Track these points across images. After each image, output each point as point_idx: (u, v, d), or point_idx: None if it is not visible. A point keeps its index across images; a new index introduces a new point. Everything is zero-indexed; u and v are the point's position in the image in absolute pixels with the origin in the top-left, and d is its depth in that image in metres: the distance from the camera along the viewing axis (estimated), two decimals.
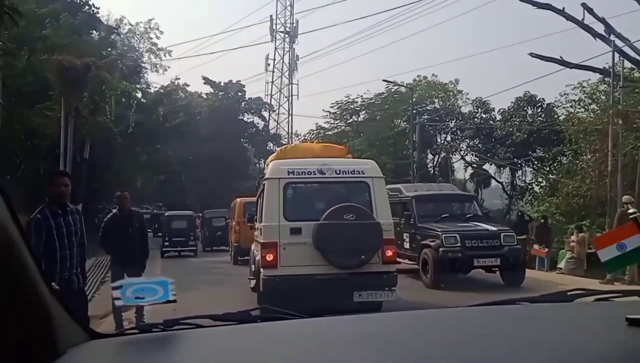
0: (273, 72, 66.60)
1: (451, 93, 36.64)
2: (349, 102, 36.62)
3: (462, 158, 35.77)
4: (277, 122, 64.12)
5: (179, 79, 60.22)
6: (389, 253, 8.49)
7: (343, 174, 8.62)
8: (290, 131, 64.88)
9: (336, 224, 8.04)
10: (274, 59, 66.22)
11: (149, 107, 30.58)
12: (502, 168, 35.35)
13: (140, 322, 6.17)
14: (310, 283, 7.90)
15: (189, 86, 72.55)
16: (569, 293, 1.86)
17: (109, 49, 23.47)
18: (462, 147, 35.53)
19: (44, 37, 22.06)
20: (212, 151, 56.92)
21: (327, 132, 38.18)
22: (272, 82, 66.69)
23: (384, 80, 29.33)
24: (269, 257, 8.15)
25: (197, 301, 7.79)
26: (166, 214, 26.97)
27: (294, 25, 64.45)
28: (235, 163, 58.06)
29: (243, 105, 61.85)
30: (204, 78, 61.07)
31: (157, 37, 44.94)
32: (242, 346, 1.47)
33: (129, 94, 23.65)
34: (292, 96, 66.15)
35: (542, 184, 30.66)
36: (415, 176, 28.99)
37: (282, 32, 65.10)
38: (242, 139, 60.98)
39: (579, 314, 1.71)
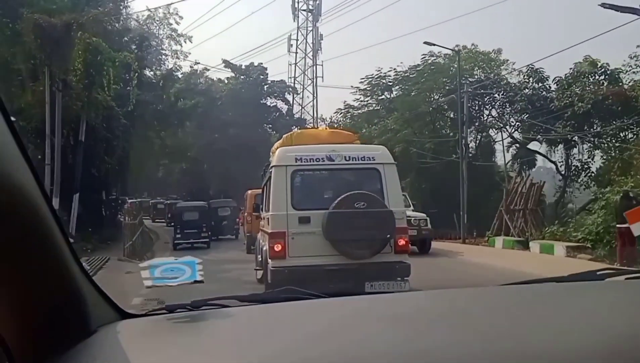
0: (296, 53, 62.74)
1: (494, 63, 32.37)
2: (380, 77, 32.60)
3: (510, 135, 31.42)
4: (302, 105, 60.39)
5: (199, 63, 56.90)
6: (402, 242, 8.03)
7: (353, 160, 8.09)
8: (315, 115, 61.21)
9: (347, 213, 7.59)
10: (297, 40, 62.61)
11: (158, 86, 27.29)
12: (553, 146, 30.95)
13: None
14: (320, 274, 7.40)
15: (208, 70, 69.89)
16: (598, 273, 1.80)
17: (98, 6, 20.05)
18: (511, 122, 31.15)
19: (30, 2, 18.81)
20: (235, 137, 53.54)
21: (355, 111, 34.33)
22: (296, 63, 62.90)
23: (425, 42, 25.14)
24: (277, 247, 7.76)
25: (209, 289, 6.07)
26: (178, 205, 26.50)
27: (317, 2, 60.52)
28: (258, 149, 54.60)
29: (265, 88, 58.31)
30: (225, 61, 57.57)
31: (177, 23, 41.32)
32: (266, 325, 1.51)
33: (130, 66, 20.25)
34: (316, 77, 62.37)
35: (608, 161, 26.27)
36: (464, 156, 25.01)
37: (304, 10, 61.29)
38: (265, 125, 57.51)
39: (610, 293, 1.70)
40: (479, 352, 1.15)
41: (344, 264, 7.71)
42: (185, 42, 41.56)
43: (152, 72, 27.28)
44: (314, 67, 62.21)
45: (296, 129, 60.74)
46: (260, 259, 9.37)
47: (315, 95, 61.89)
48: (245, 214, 19.72)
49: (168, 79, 28.88)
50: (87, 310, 1.36)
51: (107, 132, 20.72)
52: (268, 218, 8.30)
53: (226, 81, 57.91)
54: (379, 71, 32.41)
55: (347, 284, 7.19)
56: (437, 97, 29.87)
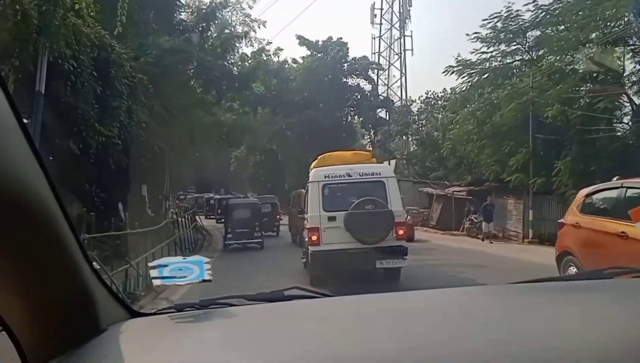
0: (380, 24, 53.12)
1: None
2: (512, 16, 22.08)
3: None
4: (387, 85, 50.36)
5: (271, 43, 48.65)
6: (400, 232, 10.23)
7: (365, 176, 10.46)
8: (403, 95, 50.99)
9: (360, 213, 9.84)
10: (382, 9, 52.78)
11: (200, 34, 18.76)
12: None
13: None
14: (344, 254, 9.80)
15: (282, 50, 61.43)
16: (605, 271, 1.77)
17: None
18: None
19: None
20: (311, 121, 44.74)
21: (474, 70, 23.85)
22: (380, 37, 53.22)
23: None
24: (314, 237, 10.13)
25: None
26: (229, 202, 23.46)
27: None
28: (338, 134, 45.60)
29: (346, 66, 49.04)
30: (299, 37, 48.72)
31: (250, 7, 33.02)
32: (273, 323, 1.49)
33: None
34: (404, 51, 52.17)
35: None
36: None
37: None
38: (347, 107, 48.19)
39: (618, 292, 1.62)
40: (482, 351, 1.12)
41: (360, 248, 9.93)
42: (259, 27, 32.85)
43: (189, 14, 18.81)
44: (402, 39, 52.14)
45: (383, 113, 51.21)
46: (304, 249, 11.71)
47: (403, 72, 51.73)
48: (292, 211, 21.03)
49: (211, 18, 19.67)
50: (97, 309, 1.36)
51: (100, 87, 12.23)
52: (308, 218, 10.69)
53: (301, 61, 49.41)
54: (508, 7, 21.96)
55: (362, 262, 9.88)
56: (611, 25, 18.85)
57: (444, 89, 39.29)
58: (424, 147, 34.01)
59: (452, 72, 24.08)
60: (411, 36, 50.91)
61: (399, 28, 51.35)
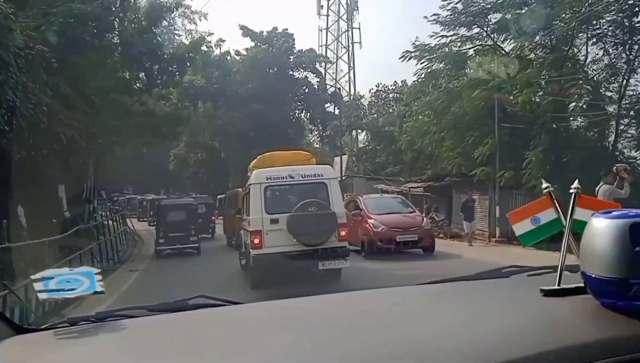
0: (327, 16, 50.87)
1: None
2: None
3: None
4: (335, 78, 48.18)
5: (212, 34, 45.29)
6: (343, 233, 10.18)
7: (307, 177, 10.34)
8: (352, 89, 48.96)
9: (303, 215, 9.71)
10: (328, 0, 50.49)
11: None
12: None
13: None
14: (287, 257, 9.66)
15: (224, 41, 57.99)
16: (503, 270, 1.90)
17: None
18: None
19: None
20: (257, 115, 41.77)
21: (433, 55, 21.84)
22: (327, 29, 50.99)
23: None
24: (256, 241, 9.88)
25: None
26: (161, 203, 21.82)
27: None
28: (286, 130, 42.95)
29: (292, 59, 46.50)
30: (242, 28, 45.63)
31: None
32: (175, 334, 1.41)
33: None
34: (352, 44, 50.18)
35: None
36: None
37: None
38: (294, 101, 45.55)
39: (511, 289, 1.71)
40: (383, 351, 1.14)
41: (303, 250, 9.83)
42: (200, 19, 29.61)
43: None
44: (349, 31, 50.12)
45: (331, 107, 49.04)
46: (242, 250, 11.71)
47: (352, 65, 49.75)
48: (227, 212, 19.67)
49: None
50: None
51: None
52: (249, 220, 10.39)
53: (245, 53, 46.32)
54: None
55: (306, 264, 9.76)
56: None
57: (395, 81, 37.55)
58: (378, 141, 31.92)
59: (410, 58, 21.99)
60: (359, 28, 49.00)
61: (346, 20, 49.31)
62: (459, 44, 21.75)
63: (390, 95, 36.59)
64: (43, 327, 1.49)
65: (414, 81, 23.48)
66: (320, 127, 43.53)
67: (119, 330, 1.41)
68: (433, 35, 21.25)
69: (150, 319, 1.51)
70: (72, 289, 1.51)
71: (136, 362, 1.19)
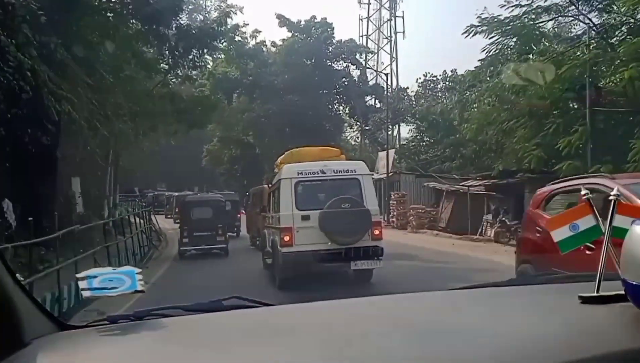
0: (369, 4, 47.52)
1: None
2: None
3: None
4: (377, 70, 44.73)
5: (248, 24, 42.82)
6: (377, 232, 9.65)
7: (339, 173, 9.89)
8: (393, 80, 45.39)
9: (336, 212, 9.26)
10: None
11: None
12: None
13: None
14: (318, 256, 9.19)
15: (260, 31, 55.62)
16: (536, 277, 1.95)
17: None
18: None
19: None
20: (293, 107, 38.90)
21: (510, 24, 18.12)
22: (369, 18, 47.70)
23: None
24: (286, 238, 9.42)
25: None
26: (186, 199, 19.95)
27: None
28: (323, 123, 39.90)
29: (331, 49, 43.46)
30: (279, 17, 42.91)
31: None
32: (210, 333, 1.43)
33: None
34: (395, 34, 46.66)
35: None
36: None
37: None
38: (333, 93, 42.43)
39: (544, 297, 1.65)
40: (418, 357, 1.14)
41: (335, 248, 9.33)
42: (236, 13, 26.82)
43: None
44: (392, 20, 46.63)
45: (372, 100, 45.74)
46: (268, 249, 11.10)
47: (394, 56, 46.23)
48: (251, 210, 18.80)
49: None
50: (19, 322, 1.26)
51: None
52: (278, 217, 9.80)
53: (281, 43, 43.52)
54: None
55: (337, 263, 9.35)
56: None
57: (444, 70, 33.94)
58: (432, 133, 28.35)
59: (475, 33, 18.51)
60: (402, 17, 45.46)
61: (388, 8, 45.86)
62: (533, 16, 18.16)
63: (440, 85, 32.94)
64: (84, 324, 1.52)
65: (485, 57, 19.69)
66: (361, 121, 40.25)
67: (157, 328, 1.43)
68: (504, 6, 17.66)
69: (186, 318, 1.53)
70: (114, 287, 1.54)
71: (175, 359, 1.21)
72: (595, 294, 1.36)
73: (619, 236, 1.28)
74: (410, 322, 1.42)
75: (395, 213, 24.96)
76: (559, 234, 1.63)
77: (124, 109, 14.70)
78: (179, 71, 18.44)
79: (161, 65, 17.56)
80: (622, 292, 1.22)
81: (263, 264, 11.65)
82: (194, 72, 19.91)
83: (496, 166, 19.07)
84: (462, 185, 22.11)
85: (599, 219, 1.51)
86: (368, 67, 40.72)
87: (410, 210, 23.99)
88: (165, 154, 43.04)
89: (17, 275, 1.31)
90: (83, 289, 1.54)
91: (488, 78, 20.95)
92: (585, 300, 1.36)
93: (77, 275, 1.59)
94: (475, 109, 20.25)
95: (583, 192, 1.59)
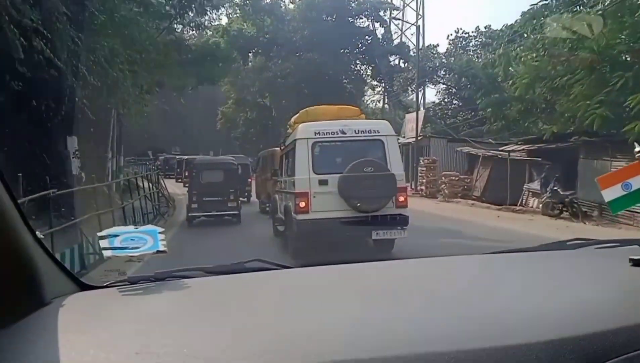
0: None
1: None
2: None
3: None
4: (402, 29, 41.72)
5: None
6: (401, 198, 8.83)
7: (361, 133, 9.03)
8: (419, 40, 42.36)
9: (357, 176, 8.46)
10: None
11: None
12: None
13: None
14: (336, 224, 8.43)
15: None
16: (568, 243, 1.80)
17: None
18: None
19: None
20: (311, 66, 36.46)
21: None
22: None
23: None
24: (302, 204, 8.64)
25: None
26: (196, 161, 17.69)
27: None
28: (344, 83, 37.42)
29: (354, 5, 40.58)
30: None
31: None
32: (232, 294, 1.42)
33: None
34: None
35: None
36: None
37: None
38: (354, 53, 39.75)
39: (580, 261, 1.64)
40: (447, 320, 1.10)
41: (355, 216, 8.52)
42: None
43: None
44: None
45: (397, 60, 42.91)
46: (278, 215, 10.52)
47: (420, 14, 43.03)
48: (261, 174, 17.66)
49: None
50: (40, 281, 1.23)
51: None
52: (293, 181, 8.97)
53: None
54: None
55: (357, 232, 8.63)
56: None
57: (477, 27, 31.01)
58: (474, 90, 25.76)
59: None
60: None
61: None
62: None
63: (472, 42, 30.09)
64: (105, 284, 1.49)
65: (516, 20, 17.19)
66: (385, 81, 37.61)
67: (178, 289, 1.40)
68: None
69: (207, 279, 1.51)
70: (136, 247, 1.52)
71: (196, 319, 1.18)
72: None
73: None
74: (446, 285, 1.36)
75: (424, 181, 22.75)
76: (611, 193, 1.54)
77: (121, 57, 12.60)
78: (186, 17, 16.21)
79: (166, 9, 15.34)
80: None
81: (273, 231, 11.02)
82: (205, 17, 17.64)
83: (549, 128, 16.62)
84: (502, 150, 19.77)
85: None
86: (395, 18, 37.64)
87: (443, 177, 21.75)
88: (180, 117, 41.10)
89: (37, 233, 1.22)
90: (105, 248, 1.52)
91: (530, 33, 18.45)
92: (637, 263, 1.33)
93: (99, 234, 1.55)
94: (522, 65, 17.69)
95: (637, 149, 1.50)
